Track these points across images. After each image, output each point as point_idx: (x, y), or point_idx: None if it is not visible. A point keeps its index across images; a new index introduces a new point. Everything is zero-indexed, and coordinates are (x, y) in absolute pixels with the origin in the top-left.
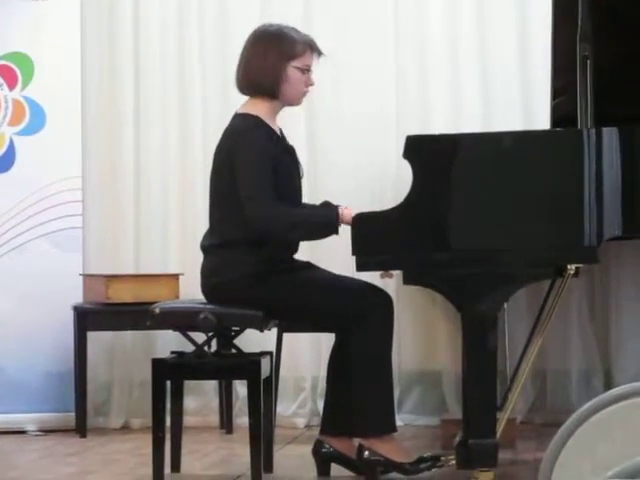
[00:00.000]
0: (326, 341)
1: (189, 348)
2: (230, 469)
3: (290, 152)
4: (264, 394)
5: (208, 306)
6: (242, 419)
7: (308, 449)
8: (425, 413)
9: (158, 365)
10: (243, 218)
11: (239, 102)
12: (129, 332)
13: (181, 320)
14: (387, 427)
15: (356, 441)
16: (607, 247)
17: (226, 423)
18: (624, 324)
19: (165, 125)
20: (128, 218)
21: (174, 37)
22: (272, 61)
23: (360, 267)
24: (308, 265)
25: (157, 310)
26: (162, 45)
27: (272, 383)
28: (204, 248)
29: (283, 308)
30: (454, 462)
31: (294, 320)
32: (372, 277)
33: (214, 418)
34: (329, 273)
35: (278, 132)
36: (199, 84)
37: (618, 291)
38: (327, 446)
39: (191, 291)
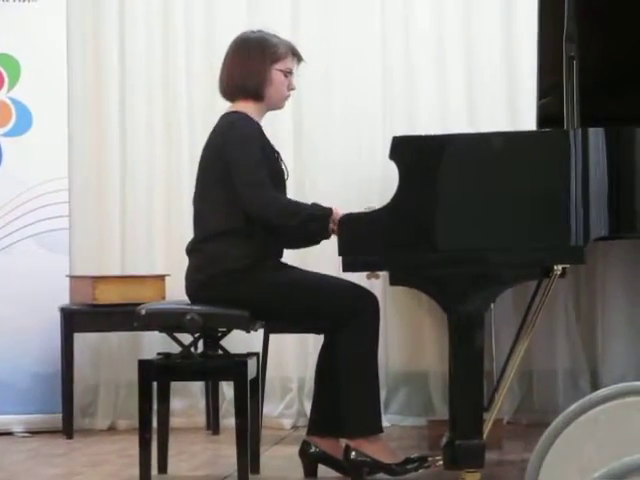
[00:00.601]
0: (313, 342)
1: (175, 349)
2: (217, 470)
3: (275, 153)
4: (251, 395)
5: (194, 307)
6: (229, 420)
7: (295, 450)
8: (412, 414)
9: (144, 366)
10: (228, 211)
11: (225, 106)
12: (115, 333)
13: (167, 321)
14: (374, 428)
15: (343, 442)
16: (594, 247)
17: (213, 424)
18: (610, 324)
19: (151, 127)
20: (114, 219)
21: (160, 38)
22: (256, 64)
23: (346, 268)
24: (292, 266)
25: (143, 311)
26: (148, 46)
27: (259, 384)
28: (188, 250)
29: (268, 308)
30: (441, 463)
31: (280, 320)
32: (359, 278)
33: (201, 419)
34: (315, 273)
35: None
36: (185, 86)
37: (604, 291)
38: (314, 447)
39: (177, 292)
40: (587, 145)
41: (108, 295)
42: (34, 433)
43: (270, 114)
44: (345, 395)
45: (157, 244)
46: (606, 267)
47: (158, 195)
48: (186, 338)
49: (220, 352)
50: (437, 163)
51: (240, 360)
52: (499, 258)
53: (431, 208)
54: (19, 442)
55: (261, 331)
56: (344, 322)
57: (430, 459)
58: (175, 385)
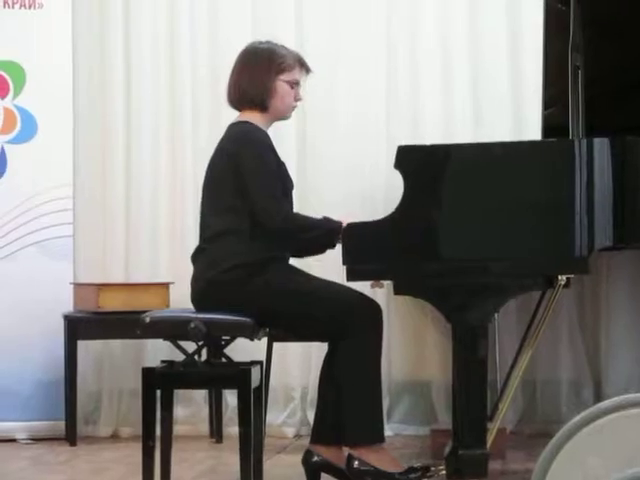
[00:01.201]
0: (316, 351)
1: (179, 357)
2: (219, 478)
3: (282, 164)
4: (254, 403)
5: (199, 315)
6: (232, 428)
7: (298, 459)
8: (415, 423)
9: (148, 374)
10: (238, 214)
11: (229, 115)
12: (119, 341)
13: (171, 329)
14: (376, 437)
15: (346, 451)
16: (598, 257)
17: (216, 432)
18: (614, 335)
19: (156, 134)
20: (119, 227)
21: (165, 46)
22: (261, 75)
23: (350, 276)
24: (300, 271)
25: (147, 319)
26: (153, 53)
27: (262, 392)
28: (192, 257)
29: (271, 312)
30: (444, 472)
31: (283, 327)
32: (363, 287)
33: (204, 427)
34: (320, 280)
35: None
36: (190, 95)
37: (608, 302)
38: (317, 456)
39: (181, 300)
40: (592, 155)
41: (112, 302)
42: (37, 440)
43: (274, 124)
44: (348, 404)
45: (161, 252)
46: (610, 277)
47: (162, 203)
48: (190, 346)
49: (224, 360)
50: (442, 173)
51: (243, 368)
52: (503, 268)
53: (436, 217)
54: (22, 449)
55: (265, 339)
56: (347, 331)
57: (433, 469)
58: (178, 393)
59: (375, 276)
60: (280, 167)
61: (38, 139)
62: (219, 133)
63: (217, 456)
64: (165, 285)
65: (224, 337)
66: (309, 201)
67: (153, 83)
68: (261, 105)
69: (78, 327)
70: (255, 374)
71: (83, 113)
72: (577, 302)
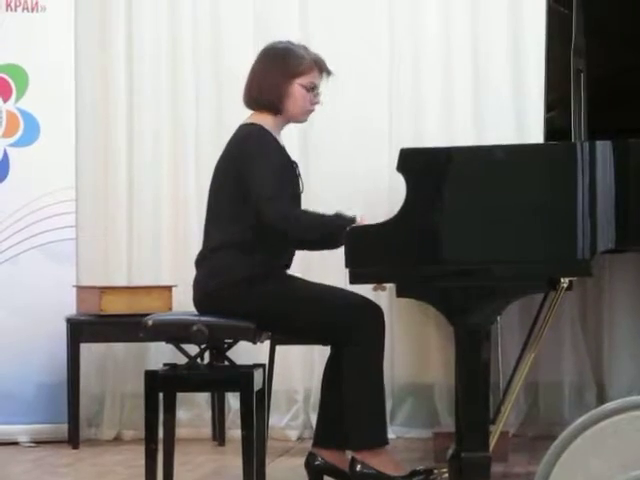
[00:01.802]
0: (319, 354)
1: (182, 360)
2: None
3: (294, 166)
4: (257, 406)
5: (201, 318)
6: (234, 431)
7: (301, 462)
8: (418, 426)
9: (151, 377)
10: (241, 222)
11: (232, 117)
12: (122, 344)
13: (174, 332)
14: (379, 440)
15: (349, 454)
16: (600, 260)
17: (218, 435)
18: (617, 337)
19: (158, 137)
20: (121, 230)
21: (168, 48)
22: (275, 77)
23: (353, 279)
24: (300, 279)
25: (150, 322)
26: (156, 56)
27: (265, 395)
28: (198, 260)
29: (274, 320)
30: (447, 475)
31: (285, 330)
32: (365, 289)
33: (206, 430)
34: (321, 285)
35: (282, 145)
36: (192, 96)
37: (611, 304)
38: (320, 459)
39: (184, 303)
40: (594, 158)
41: (114, 305)
42: (40, 443)
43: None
44: (351, 407)
45: (164, 254)
46: (613, 280)
47: (165, 205)
48: (192, 349)
49: (226, 363)
50: (444, 175)
51: (246, 371)
52: (506, 271)
53: (438, 220)
54: (25, 452)
55: (267, 342)
56: (350, 334)
57: (436, 471)
58: (181, 396)
59: (377, 279)
60: (288, 168)
61: (41, 142)
62: (222, 135)
63: (220, 459)
64: (168, 288)
65: (226, 340)
66: (311, 204)
67: (155, 86)
68: (274, 108)
69: (81, 330)
70: (258, 377)
71: (86, 116)
72: (580, 304)
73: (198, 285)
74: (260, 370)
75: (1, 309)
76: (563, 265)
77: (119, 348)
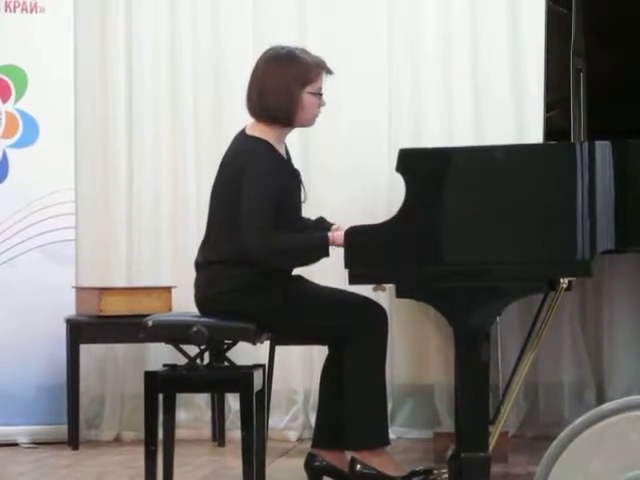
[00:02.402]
0: (318, 354)
1: (181, 361)
2: None
3: (296, 175)
4: (256, 407)
5: (201, 319)
6: (234, 432)
7: (300, 462)
8: (418, 426)
9: (150, 378)
10: (238, 237)
11: (231, 118)
12: (121, 345)
13: (174, 333)
14: (380, 440)
15: (349, 454)
16: (600, 260)
17: (218, 436)
18: (616, 337)
19: (158, 138)
20: (121, 231)
21: (167, 50)
22: (287, 89)
23: (353, 280)
24: (300, 279)
25: (150, 323)
26: (155, 58)
27: (264, 396)
28: (198, 264)
29: (276, 321)
30: (446, 476)
31: (287, 333)
32: (365, 290)
33: (206, 431)
34: (322, 287)
35: (285, 155)
36: (192, 98)
37: (610, 304)
38: (319, 459)
39: (184, 304)
40: (594, 158)
41: (114, 306)
42: (39, 444)
43: None
44: (352, 408)
45: (163, 255)
46: (612, 280)
47: (164, 206)
48: (192, 350)
49: (226, 364)
50: (444, 176)
51: (246, 372)
52: (505, 271)
53: (437, 221)
54: (25, 453)
55: (267, 343)
56: (352, 335)
57: (436, 472)
58: (181, 397)
59: (377, 280)
60: (287, 186)
61: (40, 143)
62: (221, 136)
63: (219, 460)
64: (168, 289)
65: (226, 341)
66: (311, 204)
67: (155, 87)
68: (286, 120)
69: (81, 331)
70: (257, 378)
71: (85, 117)
72: (579, 305)
73: (199, 287)
74: (260, 371)
75: (0, 310)
76: (563, 265)
77: (119, 349)
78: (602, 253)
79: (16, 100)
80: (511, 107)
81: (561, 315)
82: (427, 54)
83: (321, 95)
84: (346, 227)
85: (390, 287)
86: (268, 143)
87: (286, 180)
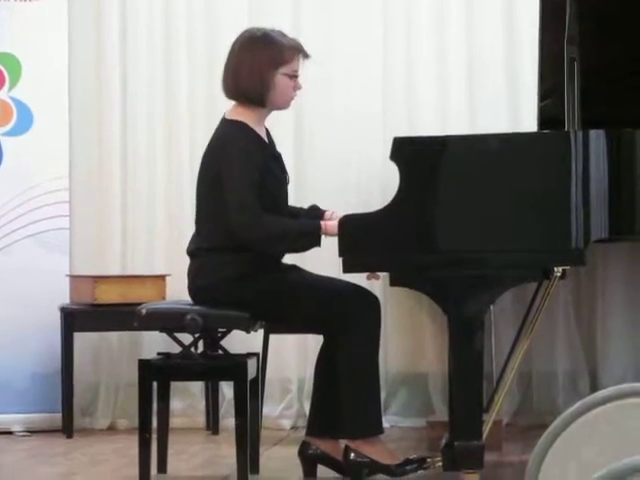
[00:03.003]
0: (312, 343)
1: (176, 349)
2: (216, 470)
3: (277, 159)
4: (250, 395)
5: (195, 307)
6: (228, 420)
7: (294, 450)
8: (411, 415)
9: (144, 366)
10: (226, 223)
11: (226, 106)
12: (115, 333)
13: (168, 321)
14: (373, 429)
15: (343, 443)
16: (593, 249)
17: (212, 424)
18: (610, 326)
19: (152, 127)
20: (115, 219)
21: (162, 37)
22: (260, 70)
23: (347, 268)
24: (294, 267)
25: (144, 311)
26: (150, 45)
27: (258, 384)
28: (191, 252)
29: (269, 310)
30: (440, 464)
31: (281, 322)
32: (359, 279)
33: (200, 419)
34: (315, 275)
35: (265, 138)
36: (186, 87)
37: (604, 293)
38: (313, 447)
39: (178, 292)
40: (588, 147)
41: (108, 295)
42: (34, 432)
43: (271, 115)
44: (345, 396)
45: (158, 244)
46: (606, 269)
47: (159, 195)
48: (186, 338)
49: (220, 352)
50: (437, 164)
51: (240, 360)
52: (499, 260)
53: (431, 209)
54: (19, 441)
55: (261, 331)
56: (345, 323)
57: (429, 460)
58: (175, 385)
59: (371, 268)
60: (269, 167)
61: (34, 131)
62: (215, 125)
63: (213, 448)
64: (162, 277)
65: (220, 329)
66: (305, 192)
67: (149, 74)
68: (259, 101)
69: (74, 319)
70: (251, 366)
71: (79, 105)
72: (573, 293)
73: (192, 276)
74: (254, 359)
75: None
76: (557, 254)
77: (113, 337)
78: (596, 242)
79: (10, 88)
80: (505, 95)
81: (555, 304)
82: (422, 43)
83: (296, 77)
84: (340, 215)
85: (384, 275)
86: (245, 124)
87: (265, 159)
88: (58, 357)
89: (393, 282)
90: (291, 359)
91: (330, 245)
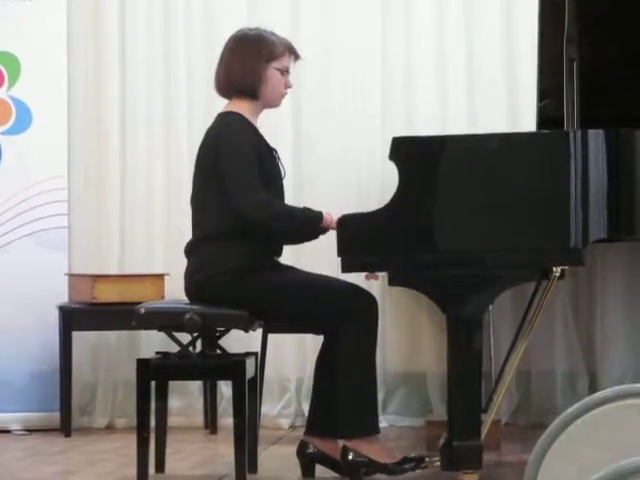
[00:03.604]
0: (311, 342)
1: (174, 348)
2: (214, 469)
3: (272, 151)
4: (249, 395)
5: (193, 306)
6: (227, 419)
7: (292, 450)
8: (410, 414)
9: (143, 365)
10: (224, 211)
11: (224, 104)
12: (114, 332)
13: (166, 320)
14: (371, 428)
15: (341, 442)
16: (592, 249)
17: (210, 423)
18: (609, 326)
19: (151, 125)
20: (114, 218)
21: (161, 37)
22: (252, 63)
23: (345, 268)
24: (291, 268)
25: (142, 310)
26: (149, 44)
27: (257, 383)
28: (186, 251)
29: (266, 308)
30: (438, 463)
31: (278, 320)
32: (357, 278)
33: (199, 418)
34: (313, 274)
35: (260, 133)
36: (185, 85)
37: (603, 293)
38: (312, 447)
39: (176, 291)
40: (587, 147)
41: (107, 294)
42: (32, 431)
43: (269, 114)
44: (343, 395)
45: (156, 243)
46: (605, 269)
47: (158, 194)
48: (185, 337)
49: (218, 352)
50: (436, 164)
51: (238, 360)
52: (498, 259)
53: (430, 209)
54: (17, 440)
55: (259, 331)
56: (342, 323)
57: (428, 459)
58: (173, 384)
59: (370, 268)
60: (265, 157)
61: (33, 130)
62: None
63: (212, 447)
64: (160, 276)
65: (219, 329)
66: (304, 192)
67: (148, 74)
68: (251, 93)
69: (73, 318)
70: (250, 365)
71: (78, 104)
72: (572, 294)
73: (190, 275)
74: (252, 358)
75: None
76: (555, 254)
77: (111, 336)
78: (595, 242)
79: (9, 87)
80: (504, 95)
81: (554, 303)
82: (420, 42)
83: (287, 74)
84: (338, 215)
85: (383, 275)
86: (241, 114)
87: (261, 147)
88: (56, 356)
89: (392, 282)
90: (289, 358)
91: (329, 245)
